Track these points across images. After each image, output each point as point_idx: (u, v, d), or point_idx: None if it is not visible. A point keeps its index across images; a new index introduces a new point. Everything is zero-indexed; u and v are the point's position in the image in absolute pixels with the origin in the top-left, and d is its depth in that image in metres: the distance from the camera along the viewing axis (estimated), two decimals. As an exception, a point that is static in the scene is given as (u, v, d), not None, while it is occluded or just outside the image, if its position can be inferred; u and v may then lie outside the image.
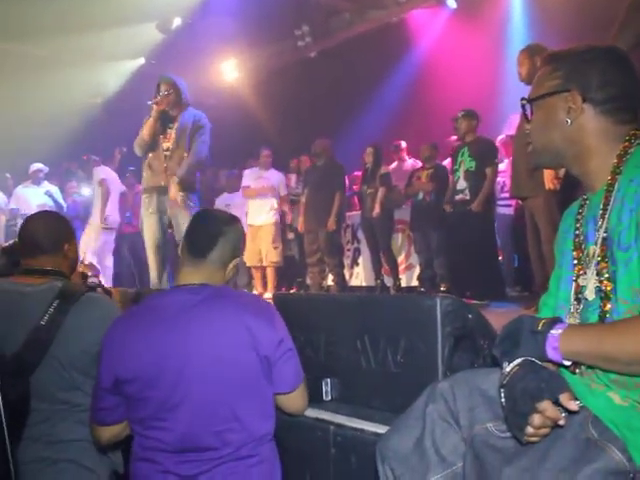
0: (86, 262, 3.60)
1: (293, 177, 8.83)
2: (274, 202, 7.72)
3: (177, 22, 10.86)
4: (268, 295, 6.94)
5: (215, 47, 10.75)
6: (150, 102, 5.43)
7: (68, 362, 2.24)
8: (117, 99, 12.44)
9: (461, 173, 6.01)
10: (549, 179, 4.13)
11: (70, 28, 10.04)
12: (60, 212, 7.32)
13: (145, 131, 5.44)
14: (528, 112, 1.64)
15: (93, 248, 8.18)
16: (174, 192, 5.20)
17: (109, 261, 8.54)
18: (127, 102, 11.55)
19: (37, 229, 2.44)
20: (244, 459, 1.88)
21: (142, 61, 12.30)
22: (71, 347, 2.24)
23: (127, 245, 9.71)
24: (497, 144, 6.87)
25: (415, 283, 7.56)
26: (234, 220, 2.16)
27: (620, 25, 2.85)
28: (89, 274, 3.51)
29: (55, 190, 9.13)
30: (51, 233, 2.45)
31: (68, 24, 9.89)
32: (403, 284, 7.67)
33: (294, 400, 2.07)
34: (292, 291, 8.33)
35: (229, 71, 11.58)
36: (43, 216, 2.64)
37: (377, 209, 7.10)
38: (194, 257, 2.03)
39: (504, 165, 6.93)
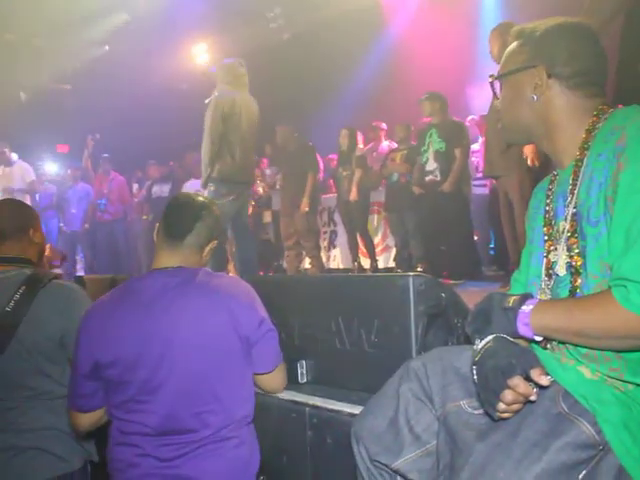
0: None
1: (265, 161, 8.80)
2: None
3: (145, 5, 10.67)
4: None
5: (186, 31, 10.60)
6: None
7: (34, 348, 2.21)
8: (87, 85, 12.26)
9: (430, 154, 6.03)
10: (532, 156, 4.13)
11: (40, 12, 9.86)
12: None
13: None
14: (497, 89, 1.64)
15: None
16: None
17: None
18: (98, 88, 11.39)
19: (1, 215, 2.40)
20: (224, 441, 1.89)
21: (108, 47, 12.09)
22: (36, 333, 2.22)
23: (103, 233, 9.63)
24: (468, 124, 6.88)
25: (392, 264, 7.58)
26: (211, 204, 2.16)
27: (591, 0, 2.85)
28: (56, 262, 3.39)
29: None
30: (15, 218, 2.42)
31: (38, 8, 9.71)
32: (380, 265, 7.70)
33: (273, 380, 2.11)
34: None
35: (200, 55, 11.44)
36: (6, 202, 2.60)
37: (354, 192, 7.09)
38: (171, 240, 2.02)
39: (478, 145, 6.94)
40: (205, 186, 5.12)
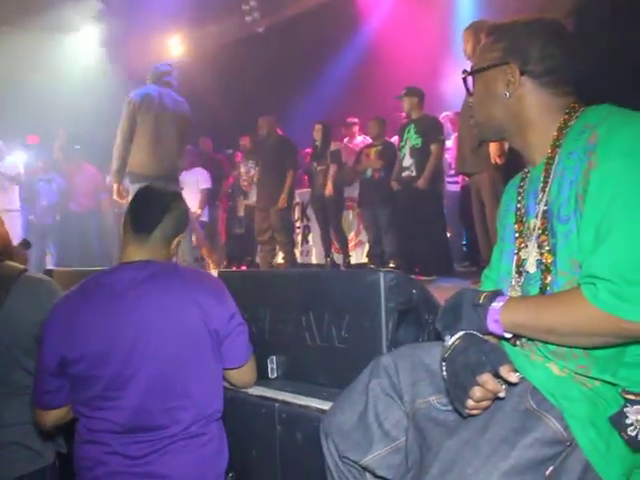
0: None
1: (240, 154, 8.78)
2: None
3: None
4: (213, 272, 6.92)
5: (160, 23, 10.49)
6: None
7: (12, 343, 2.20)
8: (61, 76, 12.08)
9: (407, 150, 6.03)
10: (494, 154, 4.16)
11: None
12: None
13: None
14: (470, 85, 1.63)
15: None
16: None
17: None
18: (71, 80, 11.24)
19: None
20: (194, 438, 1.87)
21: (81, 35, 11.92)
22: (14, 328, 2.20)
23: (74, 225, 9.51)
24: (442, 120, 6.90)
25: (365, 260, 7.59)
26: (178, 196, 2.13)
27: None
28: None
29: None
30: None
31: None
32: (353, 261, 7.70)
33: (243, 375, 2.10)
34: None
35: (174, 47, 11.34)
36: None
37: (329, 187, 7.08)
38: (138, 234, 1.99)
39: (451, 142, 6.97)
40: (116, 181, 5.25)
